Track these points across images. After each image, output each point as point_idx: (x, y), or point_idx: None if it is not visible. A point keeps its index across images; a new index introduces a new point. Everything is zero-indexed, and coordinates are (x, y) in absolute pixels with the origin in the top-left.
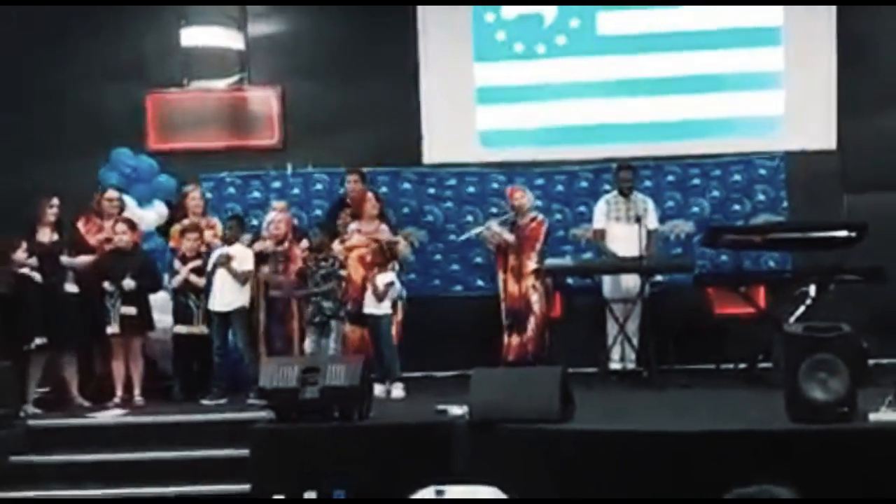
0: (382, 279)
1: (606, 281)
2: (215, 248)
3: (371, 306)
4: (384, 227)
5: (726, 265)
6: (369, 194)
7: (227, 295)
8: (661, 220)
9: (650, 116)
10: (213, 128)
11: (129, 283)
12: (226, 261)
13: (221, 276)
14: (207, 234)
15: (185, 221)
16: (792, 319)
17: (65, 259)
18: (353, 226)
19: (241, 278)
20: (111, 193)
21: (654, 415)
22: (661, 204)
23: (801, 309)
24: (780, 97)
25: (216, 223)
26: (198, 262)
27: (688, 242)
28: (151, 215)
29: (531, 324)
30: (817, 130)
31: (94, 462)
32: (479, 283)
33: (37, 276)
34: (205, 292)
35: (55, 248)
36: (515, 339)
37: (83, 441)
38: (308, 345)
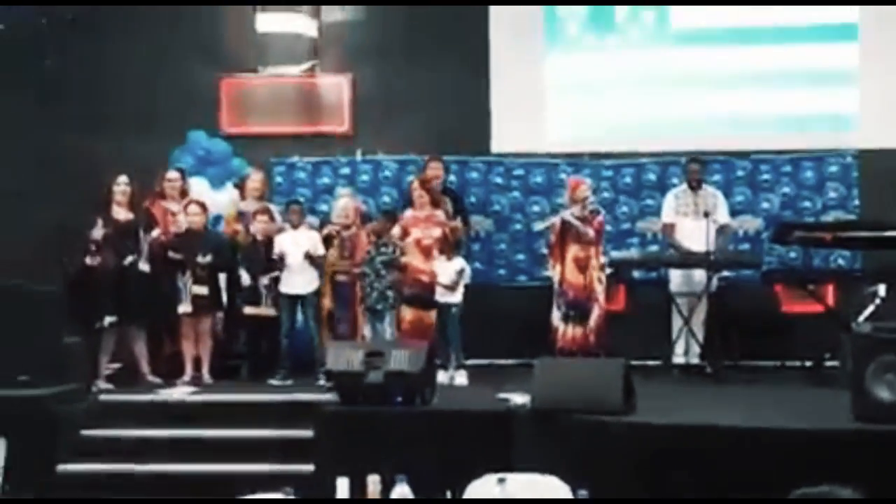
0: (452, 267)
1: (674, 275)
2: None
3: (443, 295)
4: (439, 212)
5: (795, 262)
6: (415, 182)
7: (299, 278)
8: (731, 215)
9: (721, 111)
10: (285, 113)
11: (206, 259)
12: (281, 266)
13: (294, 259)
14: (261, 219)
15: (242, 204)
16: (860, 319)
17: (152, 236)
18: (408, 212)
19: (318, 263)
20: (172, 174)
21: (717, 410)
22: (731, 199)
23: (870, 309)
24: (855, 94)
25: (272, 210)
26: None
27: (756, 238)
28: (224, 198)
29: (594, 315)
30: (891, 129)
31: (162, 438)
32: (544, 272)
33: (97, 261)
34: (274, 276)
35: (130, 227)
36: (576, 331)
37: (152, 417)
38: (365, 330)
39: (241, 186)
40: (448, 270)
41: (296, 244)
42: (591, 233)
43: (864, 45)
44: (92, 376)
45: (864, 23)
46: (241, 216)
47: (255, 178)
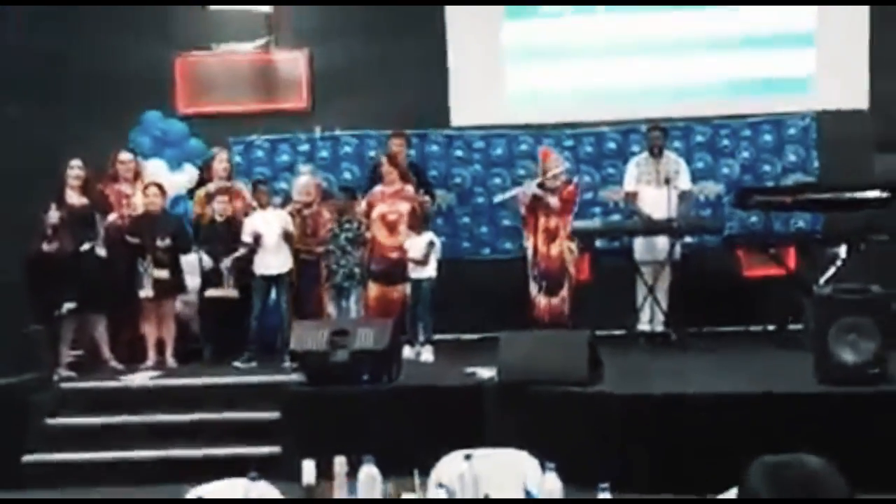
0: (422, 240)
1: (638, 243)
2: (250, 214)
3: (414, 270)
4: (408, 187)
5: (756, 226)
6: (382, 158)
7: (272, 259)
8: (692, 181)
9: (679, 77)
10: (241, 91)
11: (165, 243)
12: (258, 241)
13: (268, 240)
14: (236, 203)
15: (211, 186)
16: (822, 281)
17: (109, 220)
18: (377, 188)
19: (291, 241)
20: (124, 156)
21: (683, 377)
22: (691, 165)
23: (832, 270)
24: (812, 56)
25: (243, 190)
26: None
27: (717, 204)
28: (182, 179)
29: (566, 286)
30: (849, 90)
31: (126, 424)
32: (508, 245)
33: (53, 248)
34: (245, 257)
35: (85, 211)
36: (549, 301)
37: (117, 403)
38: (330, 308)
39: (207, 167)
40: (418, 244)
41: (267, 224)
42: (553, 202)
43: (820, 7)
44: (54, 364)
45: None
46: (208, 198)
47: (221, 159)
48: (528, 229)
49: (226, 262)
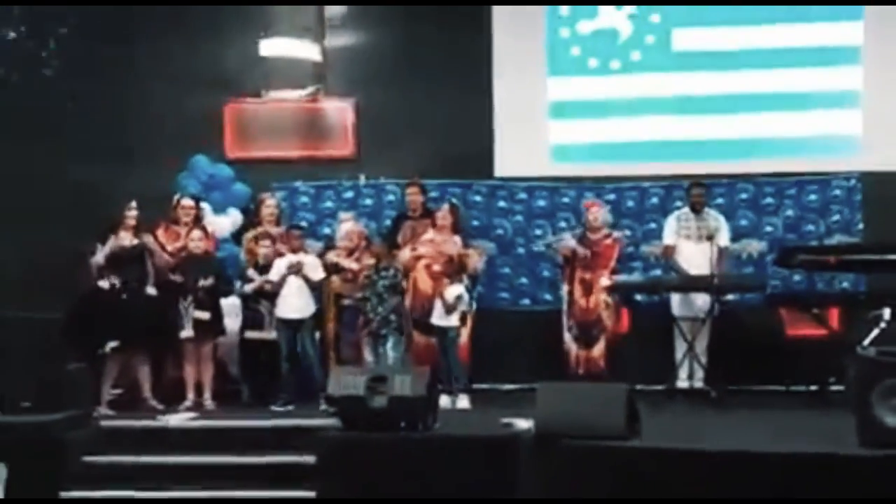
0: (452, 292)
1: (675, 298)
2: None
3: (439, 318)
4: (457, 238)
5: (799, 286)
6: (444, 206)
7: (295, 302)
8: (734, 238)
9: (724, 134)
10: (288, 138)
11: (206, 282)
12: (298, 269)
13: (290, 283)
14: (282, 246)
15: (259, 229)
16: (865, 343)
17: (158, 260)
18: (428, 235)
19: (313, 286)
20: (187, 202)
21: (722, 435)
22: (734, 222)
23: (875, 332)
24: (858, 117)
25: (272, 233)
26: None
27: (760, 262)
28: (226, 222)
29: (602, 338)
30: (894, 151)
31: (163, 464)
32: (547, 296)
33: (112, 283)
34: (272, 300)
35: (135, 251)
36: (584, 353)
37: (154, 443)
38: (367, 353)
39: (255, 212)
40: (445, 295)
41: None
42: (587, 254)
43: (867, 68)
44: (94, 402)
45: (867, 45)
46: (256, 241)
47: (269, 204)
48: (565, 279)
49: (246, 289)
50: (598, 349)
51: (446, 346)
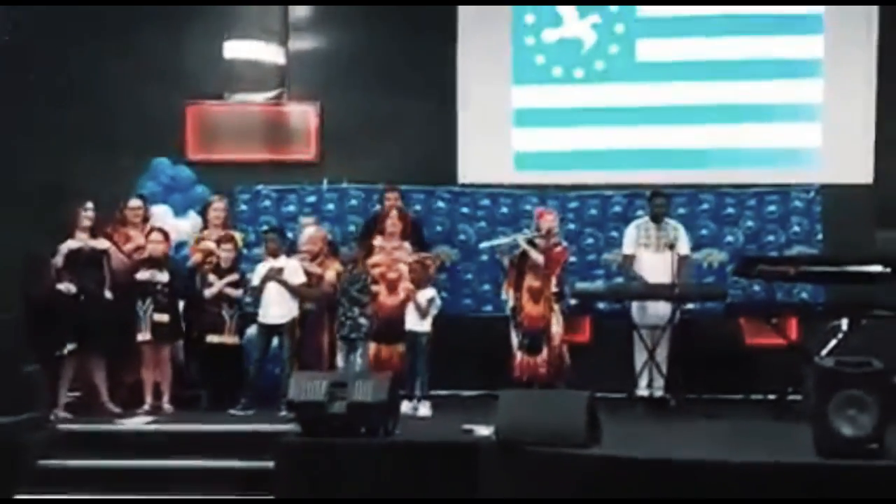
0: (424, 295)
1: (635, 307)
2: (261, 261)
3: (413, 323)
4: (406, 244)
5: (758, 296)
6: (392, 212)
7: (277, 308)
8: (695, 248)
9: (686, 144)
10: (251, 140)
11: (163, 277)
12: (277, 274)
13: (271, 288)
14: (224, 248)
15: (206, 233)
16: (823, 353)
17: (115, 262)
18: (377, 241)
19: (294, 290)
20: (134, 202)
21: (681, 443)
22: (695, 232)
23: (833, 343)
24: (818, 130)
25: (235, 237)
26: (234, 276)
27: (721, 271)
28: (186, 225)
29: (549, 346)
30: (854, 164)
31: (121, 468)
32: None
33: (72, 288)
34: (253, 305)
35: (93, 254)
36: (529, 360)
37: (111, 447)
38: (339, 359)
39: (203, 214)
40: (418, 299)
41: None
42: (540, 259)
43: (828, 81)
44: (51, 405)
45: (828, 59)
46: (198, 243)
47: (217, 206)
48: (508, 285)
49: (206, 293)
50: (543, 357)
51: (418, 351)
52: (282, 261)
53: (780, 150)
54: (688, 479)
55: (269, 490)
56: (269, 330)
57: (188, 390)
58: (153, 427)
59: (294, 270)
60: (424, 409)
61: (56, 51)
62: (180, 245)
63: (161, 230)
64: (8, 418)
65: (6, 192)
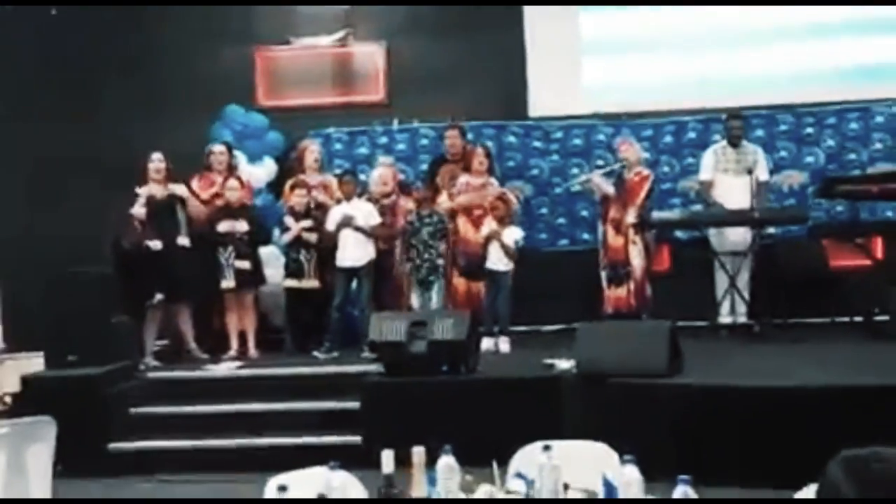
0: (511, 235)
1: (714, 233)
2: (330, 205)
3: (495, 262)
4: (493, 181)
5: (842, 216)
6: (479, 149)
7: (354, 251)
8: (774, 170)
9: (761, 66)
10: (319, 84)
11: (241, 226)
12: (349, 221)
13: (346, 232)
14: (320, 194)
15: (302, 177)
16: None
17: (191, 210)
18: (462, 179)
19: (371, 233)
20: (218, 147)
21: (766, 370)
22: (774, 154)
23: None
24: None
25: (332, 182)
26: (307, 221)
27: (802, 193)
28: (261, 172)
29: (632, 278)
30: None
31: (210, 413)
32: (585, 236)
33: (157, 244)
34: (329, 249)
35: (167, 203)
36: (615, 292)
37: (200, 392)
38: (414, 300)
39: (297, 158)
40: (504, 239)
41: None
42: (611, 191)
43: None
44: (140, 354)
45: None
46: (293, 188)
47: (313, 150)
48: (601, 219)
49: (284, 239)
50: (626, 288)
51: (500, 288)
52: (354, 203)
53: (859, 66)
54: (775, 406)
55: (355, 430)
56: (347, 273)
57: (273, 335)
58: (240, 372)
59: (368, 213)
60: (504, 346)
61: (123, 6)
62: (257, 192)
63: (238, 177)
64: (99, 369)
65: (84, 148)
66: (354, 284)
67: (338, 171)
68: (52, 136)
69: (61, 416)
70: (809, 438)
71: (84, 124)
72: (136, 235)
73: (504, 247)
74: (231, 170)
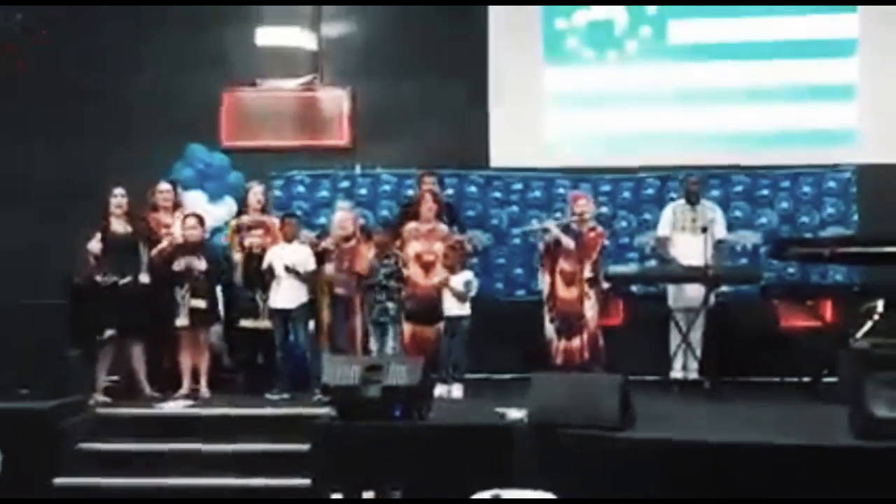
0: (459, 280)
1: (671, 290)
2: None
3: (452, 308)
4: (442, 226)
5: (793, 278)
6: (427, 195)
7: (286, 292)
8: (729, 230)
9: (719, 125)
10: (284, 127)
11: (200, 264)
12: (295, 270)
13: (281, 274)
14: (257, 238)
15: (245, 218)
16: (859, 335)
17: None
18: (411, 225)
19: (304, 278)
20: (163, 186)
21: (715, 426)
22: (729, 214)
23: (869, 325)
24: (854, 109)
25: (273, 223)
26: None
27: (755, 254)
28: (220, 211)
29: (585, 330)
30: (890, 144)
31: (159, 451)
32: (536, 286)
33: (108, 279)
34: (263, 289)
35: (129, 239)
36: (564, 344)
37: (150, 430)
38: (372, 343)
39: (243, 200)
40: (453, 284)
41: (281, 259)
42: (571, 244)
43: (863, 60)
44: (90, 389)
45: (863, 38)
46: (238, 230)
47: (256, 192)
48: (545, 269)
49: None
50: (579, 341)
51: (457, 333)
52: (294, 246)
53: (815, 130)
54: (722, 463)
55: (305, 473)
56: (281, 314)
57: (225, 374)
58: (191, 411)
59: (304, 260)
60: (457, 392)
61: (91, 39)
62: (215, 231)
63: (196, 216)
64: (49, 402)
65: (45, 182)
66: (291, 327)
67: (288, 212)
68: (8, 162)
69: (8, 448)
70: (757, 496)
71: (46, 155)
72: (90, 270)
73: (453, 291)
74: (176, 207)
